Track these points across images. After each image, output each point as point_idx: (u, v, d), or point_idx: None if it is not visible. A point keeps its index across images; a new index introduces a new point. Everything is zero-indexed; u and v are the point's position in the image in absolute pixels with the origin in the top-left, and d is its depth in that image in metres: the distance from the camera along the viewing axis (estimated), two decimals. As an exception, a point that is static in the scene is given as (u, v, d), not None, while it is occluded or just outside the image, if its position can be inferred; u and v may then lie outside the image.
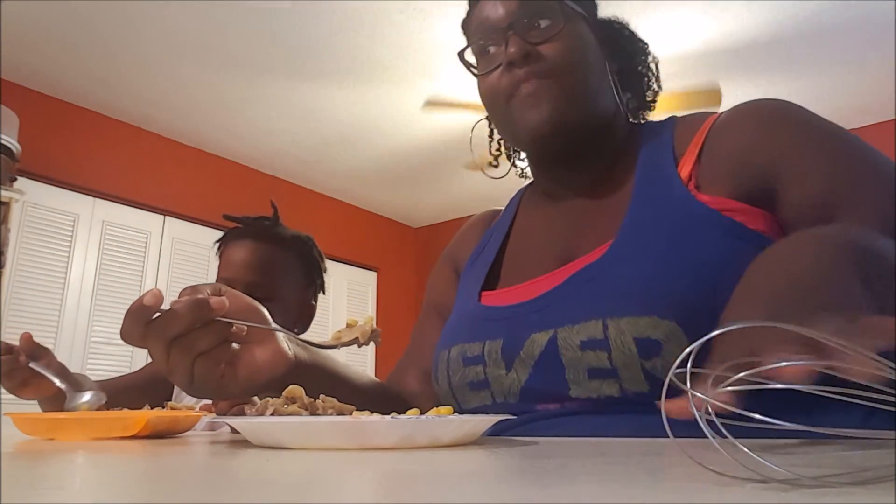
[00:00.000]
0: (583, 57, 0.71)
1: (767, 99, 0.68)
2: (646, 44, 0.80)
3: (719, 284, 0.55)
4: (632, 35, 0.80)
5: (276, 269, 1.24)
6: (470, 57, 0.77)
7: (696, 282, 0.57)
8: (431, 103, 3.47)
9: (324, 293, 1.37)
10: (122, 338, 0.53)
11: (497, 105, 0.73)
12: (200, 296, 0.53)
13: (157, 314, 0.53)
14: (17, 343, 0.98)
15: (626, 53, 0.79)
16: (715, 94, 3.06)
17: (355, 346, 0.61)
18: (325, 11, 2.88)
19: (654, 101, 0.81)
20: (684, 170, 0.66)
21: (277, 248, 1.26)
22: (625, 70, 0.78)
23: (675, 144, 0.69)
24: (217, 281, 1.24)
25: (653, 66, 0.81)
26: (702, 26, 2.99)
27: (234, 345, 0.57)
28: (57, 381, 0.92)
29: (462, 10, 0.81)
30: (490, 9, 0.73)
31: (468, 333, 0.71)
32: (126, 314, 0.53)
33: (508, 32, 0.70)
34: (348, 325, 0.61)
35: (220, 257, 1.29)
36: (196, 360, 0.54)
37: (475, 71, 0.76)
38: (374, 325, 0.61)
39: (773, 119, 0.64)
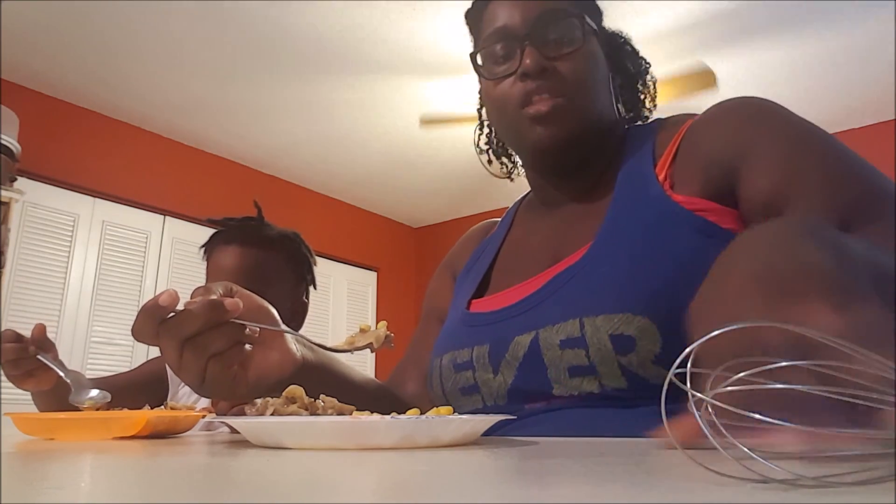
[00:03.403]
0: (595, 76, 0.72)
1: (741, 98, 0.68)
2: (648, 63, 0.82)
3: (691, 281, 0.57)
4: (634, 52, 0.81)
5: (265, 271, 1.23)
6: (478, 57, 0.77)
7: (668, 278, 0.58)
8: (428, 121, 3.47)
9: (315, 289, 1.37)
10: (135, 335, 0.53)
11: (504, 113, 0.74)
12: (214, 297, 0.53)
13: (172, 314, 0.53)
14: (25, 332, 0.98)
15: (628, 69, 0.80)
16: (708, 75, 3.01)
17: (368, 350, 0.61)
18: (326, 11, 2.88)
19: (647, 118, 0.83)
20: (662, 171, 0.67)
21: (265, 249, 1.25)
22: (625, 85, 0.80)
23: (655, 146, 0.71)
24: None
25: (651, 84, 0.82)
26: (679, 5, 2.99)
27: (246, 346, 0.58)
28: (62, 374, 0.92)
29: (462, 7, 0.81)
30: (507, 13, 0.72)
31: (458, 340, 0.73)
32: (140, 312, 0.53)
33: (525, 42, 0.70)
34: (362, 331, 0.62)
35: (208, 262, 1.28)
36: (209, 361, 0.53)
37: (485, 75, 0.75)
38: (387, 331, 0.62)
39: (740, 118, 0.65)
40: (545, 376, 0.63)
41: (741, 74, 3.30)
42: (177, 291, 0.53)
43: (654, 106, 0.83)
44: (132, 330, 0.53)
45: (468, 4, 0.81)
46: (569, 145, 0.71)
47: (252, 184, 4.41)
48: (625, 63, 0.80)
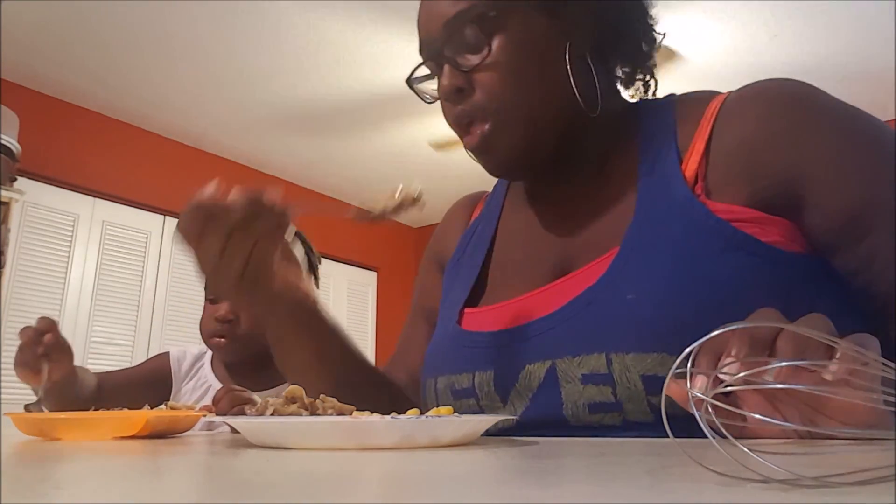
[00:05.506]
0: (523, 76, 0.60)
1: (777, 81, 0.59)
2: (648, 17, 0.68)
3: (728, 308, 0.49)
4: (633, 9, 0.67)
5: None
6: (424, 76, 0.69)
7: (705, 310, 0.51)
8: (440, 145, 3.46)
9: (317, 287, 1.37)
10: (180, 232, 0.54)
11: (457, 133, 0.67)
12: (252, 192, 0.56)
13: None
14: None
15: (613, 20, 0.65)
16: (668, 52, 2.92)
17: (403, 210, 0.61)
18: (326, 12, 2.88)
19: (652, 75, 0.70)
20: (689, 167, 0.58)
21: None
22: (610, 43, 0.65)
23: (677, 134, 0.61)
24: (206, 287, 1.24)
25: (653, 31, 0.68)
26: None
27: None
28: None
29: None
30: (423, 24, 0.65)
31: (453, 363, 0.66)
32: (189, 208, 0.54)
33: (440, 59, 0.63)
34: (389, 196, 0.60)
35: None
36: (255, 245, 0.55)
37: (421, 98, 0.70)
38: (416, 192, 0.60)
39: (787, 106, 0.56)
40: (560, 410, 0.56)
41: (740, 74, 3.29)
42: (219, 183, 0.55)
43: (654, 64, 0.70)
44: (178, 228, 0.55)
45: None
46: (516, 168, 0.65)
47: (252, 184, 4.41)
48: (613, 16, 0.65)
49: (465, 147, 0.65)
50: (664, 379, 0.50)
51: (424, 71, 0.68)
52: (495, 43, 0.60)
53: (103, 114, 3.74)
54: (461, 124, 0.64)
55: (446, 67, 0.62)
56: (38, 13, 2.86)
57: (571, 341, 0.56)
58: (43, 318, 0.99)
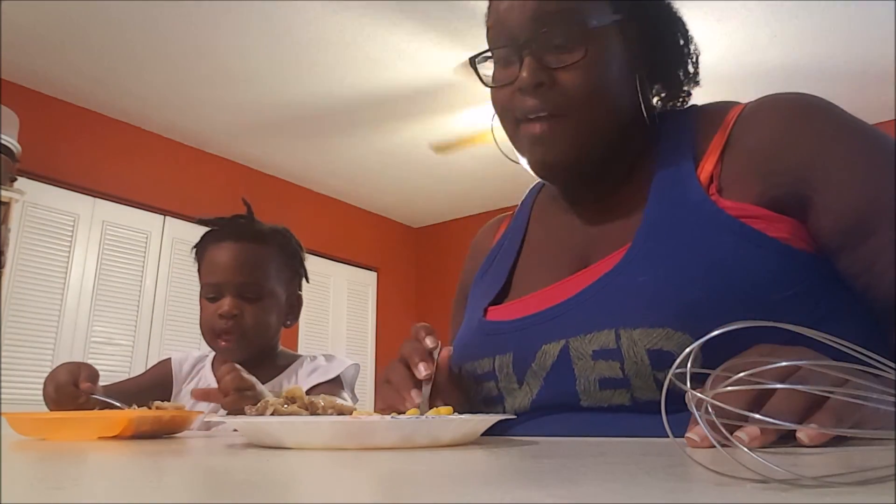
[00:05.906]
0: (604, 84, 0.64)
1: (794, 93, 0.63)
2: (689, 37, 0.73)
3: (733, 293, 0.54)
4: (675, 22, 0.72)
5: (262, 266, 1.24)
6: (482, 61, 0.70)
7: (711, 293, 0.54)
8: (441, 147, 3.45)
9: (308, 282, 1.37)
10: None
11: (506, 123, 0.69)
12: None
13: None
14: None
15: (664, 46, 0.71)
16: None
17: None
18: (326, 11, 2.88)
19: (689, 94, 0.75)
20: (705, 169, 0.62)
21: (259, 244, 1.26)
22: (662, 67, 0.72)
23: (696, 140, 0.65)
24: (203, 286, 1.23)
25: (694, 56, 0.73)
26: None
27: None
28: (117, 405, 0.92)
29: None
30: (506, 12, 0.66)
31: (476, 350, 0.70)
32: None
33: (524, 51, 0.64)
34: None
35: (201, 262, 1.28)
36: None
37: (484, 82, 0.70)
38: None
39: (802, 116, 0.60)
40: (573, 388, 0.60)
41: (740, 73, 3.30)
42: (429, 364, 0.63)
43: (697, 83, 0.74)
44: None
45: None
46: (574, 167, 0.66)
47: (252, 184, 4.42)
48: (660, 40, 0.70)
49: (525, 135, 0.66)
50: (669, 353, 0.53)
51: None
52: (590, 48, 0.63)
53: (103, 114, 3.74)
54: (526, 117, 0.65)
55: (528, 59, 0.63)
56: (38, 13, 2.86)
57: (584, 321, 0.60)
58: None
